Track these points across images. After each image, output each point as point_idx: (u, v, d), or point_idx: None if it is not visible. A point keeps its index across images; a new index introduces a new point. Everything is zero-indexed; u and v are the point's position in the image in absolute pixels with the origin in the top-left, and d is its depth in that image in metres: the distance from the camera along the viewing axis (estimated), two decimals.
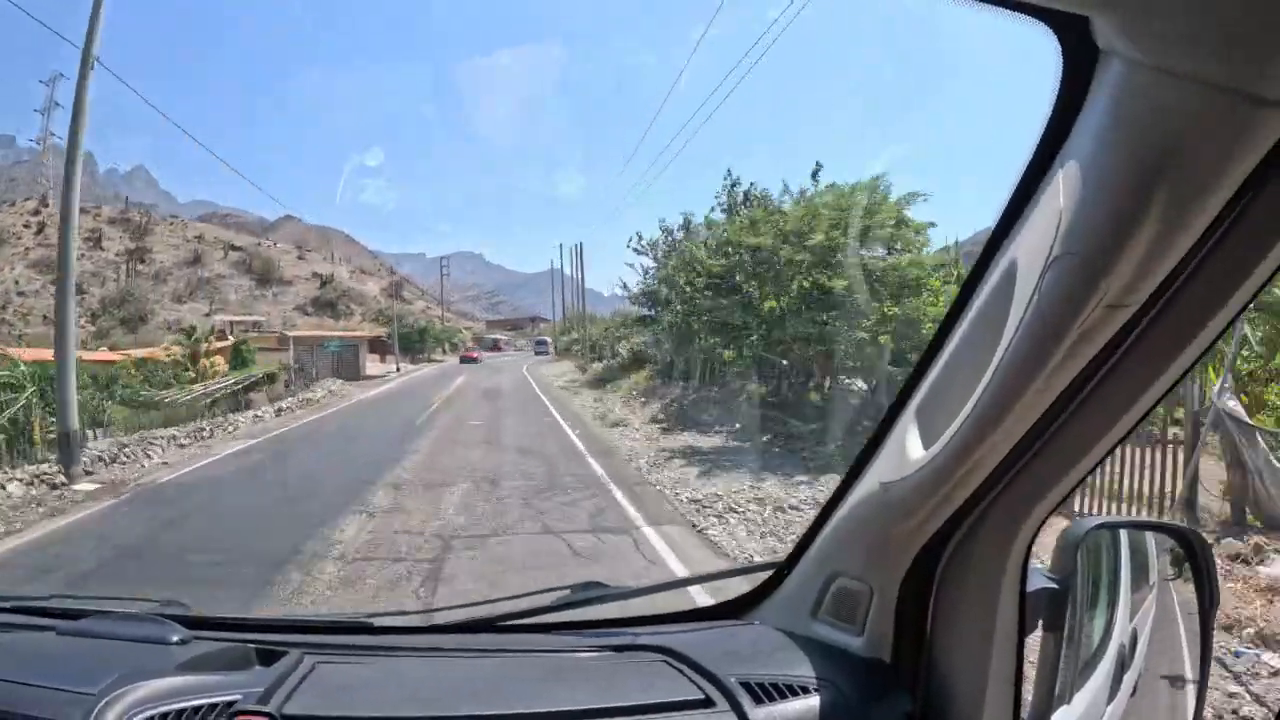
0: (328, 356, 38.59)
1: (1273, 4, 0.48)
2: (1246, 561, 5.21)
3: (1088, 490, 6.74)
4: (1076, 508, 6.56)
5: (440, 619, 1.35)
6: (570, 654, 1.13)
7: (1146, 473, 6.47)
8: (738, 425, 13.33)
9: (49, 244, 76.65)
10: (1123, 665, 1.12)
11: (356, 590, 5.40)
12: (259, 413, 20.88)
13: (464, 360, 48.45)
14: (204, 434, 16.06)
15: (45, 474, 10.52)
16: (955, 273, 11.54)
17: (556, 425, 15.56)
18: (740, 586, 1.32)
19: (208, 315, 64.32)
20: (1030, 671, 0.95)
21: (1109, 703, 1.08)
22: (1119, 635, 1.14)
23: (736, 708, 0.93)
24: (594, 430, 14.76)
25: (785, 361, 13.55)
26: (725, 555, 6.29)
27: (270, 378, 32.20)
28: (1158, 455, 6.40)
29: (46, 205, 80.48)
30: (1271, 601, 4.50)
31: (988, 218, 0.80)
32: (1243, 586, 4.78)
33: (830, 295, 11.75)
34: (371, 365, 42.96)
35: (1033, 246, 0.68)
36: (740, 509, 7.84)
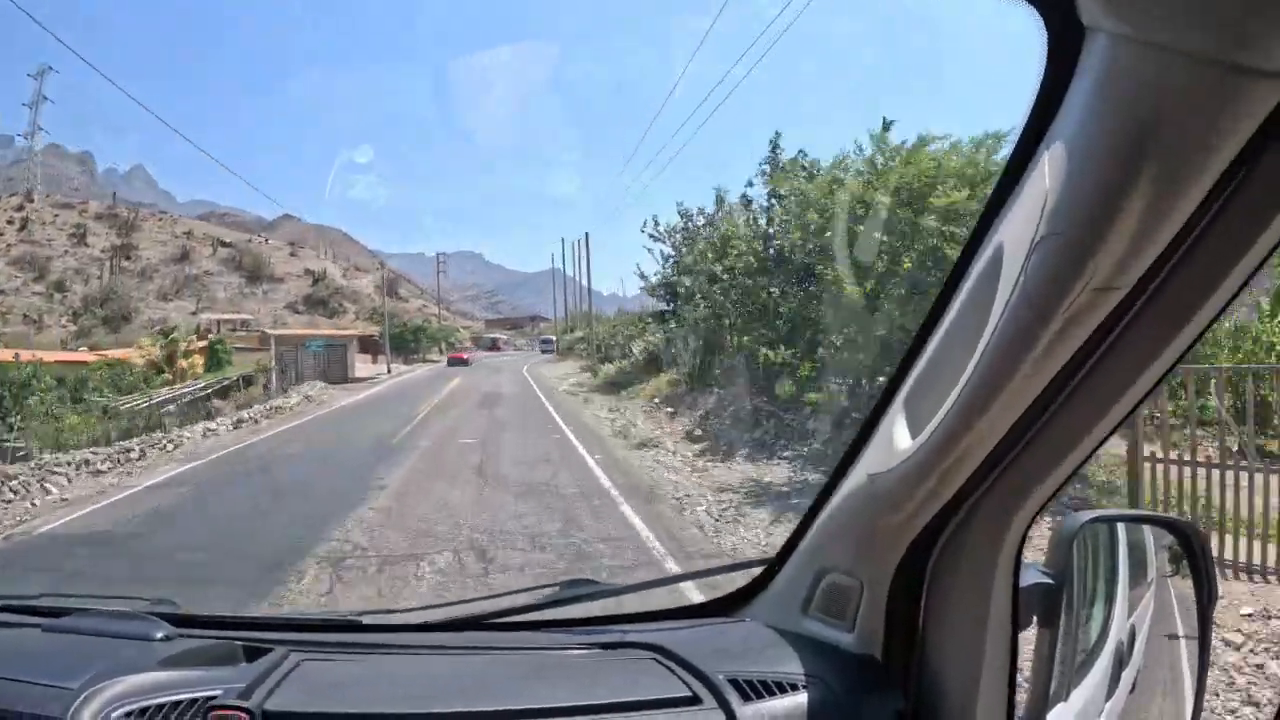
0: (313, 357, 36.25)
1: None
2: None
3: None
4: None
5: (430, 617, 1.31)
6: (559, 651, 1.13)
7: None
8: (813, 446, 9.68)
9: (32, 240, 72.23)
10: (1121, 662, 1.10)
11: None
12: (215, 425, 18.59)
13: (452, 363, 44.03)
14: (132, 455, 13.67)
15: None
16: None
17: (568, 446, 12.49)
18: (731, 583, 1.30)
19: (194, 314, 61.70)
20: (1025, 668, 0.93)
21: (1107, 700, 1.06)
22: (1117, 631, 1.12)
23: (724, 705, 0.93)
24: (618, 454, 11.65)
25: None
26: None
27: (247, 380, 30.05)
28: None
29: (31, 200, 76.17)
30: None
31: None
32: None
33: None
34: (362, 366, 40.11)
35: (1019, 228, 0.66)
36: None
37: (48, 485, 10.11)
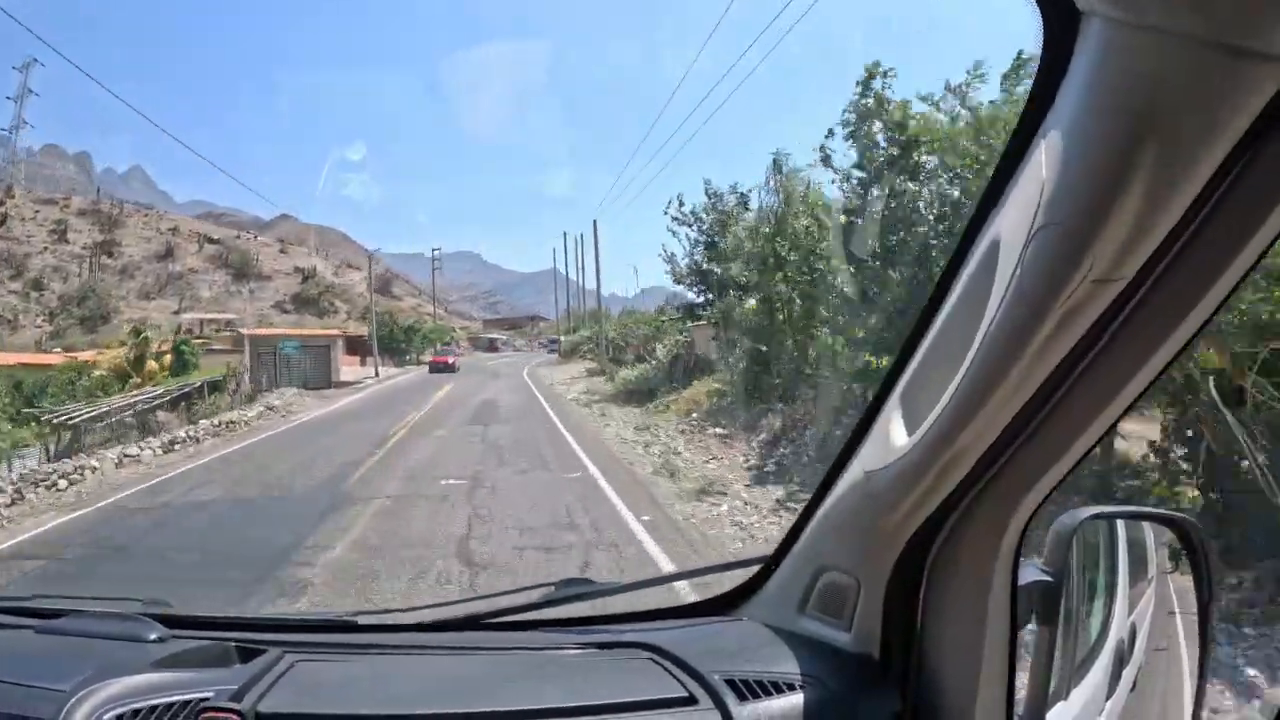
0: (290, 360, 33.63)
1: None
2: None
3: None
4: None
5: (425, 617, 1.29)
6: (555, 651, 1.13)
7: None
8: None
9: (10, 237, 67.92)
10: (1122, 660, 1.09)
11: None
12: (141, 449, 14.86)
13: (435, 369, 37.63)
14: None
15: None
16: None
17: (598, 497, 8.49)
18: (728, 582, 1.28)
19: (176, 313, 57.04)
20: (1024, 667, 0.92)
21: (1108, 698, 1.06)
22: (1118, 629, 1.12)
23: (720, 705, 0.92)
24: (676, 512, 7.79)
25: None
26: None
27: (213, 387, 26.53)
28: None
29: (12, 196, 71.90)
30: None
31: None
32: None
33: None
34: (350, 368, 38.19)
35: (1016, 219, 0.65)
36: None
37: None
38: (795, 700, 0.94)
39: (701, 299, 20.31)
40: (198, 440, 16.02)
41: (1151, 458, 5.53)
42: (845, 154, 10.81)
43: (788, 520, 6.98)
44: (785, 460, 9.85)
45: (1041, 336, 0.66)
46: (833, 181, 11.55)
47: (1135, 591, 1.19)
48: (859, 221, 10.14)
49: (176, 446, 15.21)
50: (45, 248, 67.47)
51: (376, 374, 36.31)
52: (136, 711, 0.87)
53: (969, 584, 0.91)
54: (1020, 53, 8.10)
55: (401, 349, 43.56)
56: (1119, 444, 5.96)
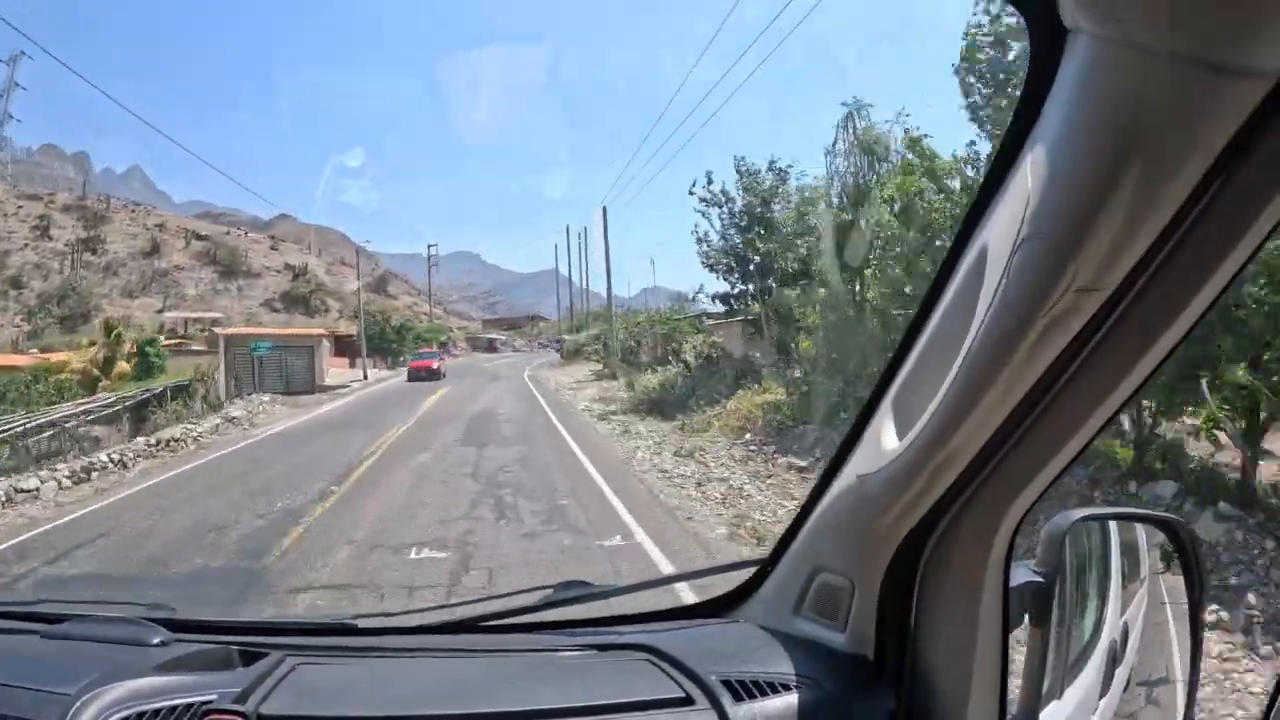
0: (264, 361, 30.35)
1: None
2: None
3: None
4: None
5: (425, 620, 1.32)
6: (553, 653, 1.14)
7: None
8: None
9: None
10: (1114, 660, 1.10)
11: None
12: (56, 472, 11.87)
13: (415, 376, 32.15)
14: None
15: None
16: None
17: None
18: (725, 584, 1.29)
19: (160, 311, 53.00)
20: (1017, 668, 0.94)
21: (1101, 698, 1.08)
22: (1110, 630, 1.13)
23: (717, 706, 0.94)
24: None
25: None
26: None
27: (180, 391, 23.14)
28: None
29: None
30: None
31: None
32: None
33: None
34: (337, 370, 34.82)
35: (1003, 230, 0.67)
36: None
37: None
38: (791, 700, 0.96)
39: (739, 287, 17.33)
40: (124, 465, 12.88)
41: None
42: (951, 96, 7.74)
43: None
44: None
45: (1028, 344, 0.68)
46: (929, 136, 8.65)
47: (1128, 592, 1.19)
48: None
49: (94, 474, 11.99)
50: (26, 244, 64.51)
51: (365, 377, 33.22)
52: (141, 715, 0.88)
53: (962, 585, 0.92)
54: None
55: (394, 349, 39.82)
56: None
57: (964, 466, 0.82)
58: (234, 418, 18.81)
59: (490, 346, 69.28)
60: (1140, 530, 1.21)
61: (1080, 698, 1.04)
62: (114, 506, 9.44)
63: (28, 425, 15.74)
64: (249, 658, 1.04)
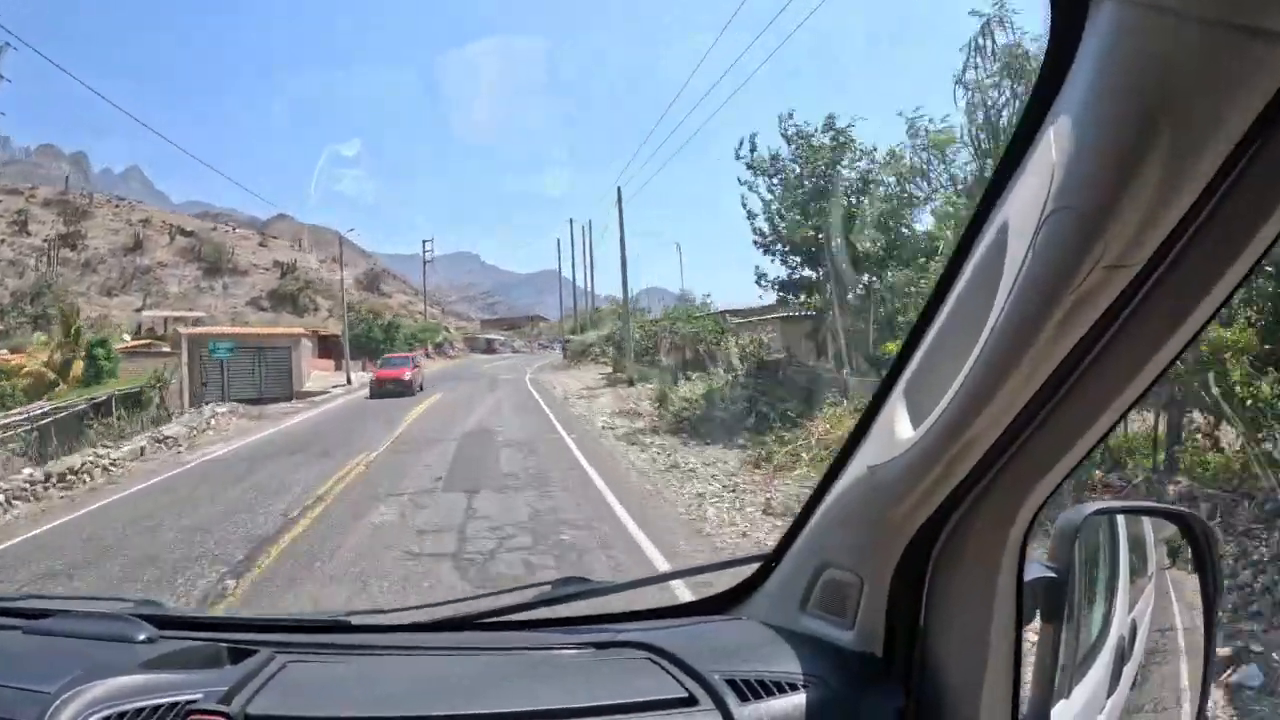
0: (245, 364, 26.91)
1: None
2: None
3: None
4: None
5: (419, 617, 1.27)
6: (551, 651, 1.11)
7: None
8: None
9: None
10: (1122, 658, 1.08)
11: None
12: None
13: (378, 391, 24.71)
14: None
15: None
16: None
17: None
18: (727, 581, 1.25)
19: (139, 310, 49.50)
20: (1028, 665, 0.92)
21: (1109, 696, 1.05)
22: (1118, 627, 1.10)
23: (721, 706, 0.91)
24: None
25: None
26: None
27: (129, 400, 19.57)
28: None
29: None
30: None
31: None
32: None
33: None
34: (320, 373, 31.80)
35: (1026, 205, 0.64)
36: None
37: None
38: (797, 700, 0.93)
39: (797, 274, 13.95)
40: None
41: None
42: None
43: None
44: None
45: (1053, 323, 0.65)
46: None
47: (1136, 588, 1.17)
48: None
49: None
50: (3, 240, 60.66)
51: (349, 381, 29.42)
52: (122, 714, 0.85)
53: (974, 579, 0.90)
54: None
55: (383, 349, 35.71)
56: None
57: (983, 453, 0.79)
58: (168, 437, 15.15)
59: (489, 347, 67.32)
60: (1148, 525, 1.19)
61: (1088, 696, 1.02)
62: None
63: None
64: (238, 655, 1.01)
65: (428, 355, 46.37)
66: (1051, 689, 0.91)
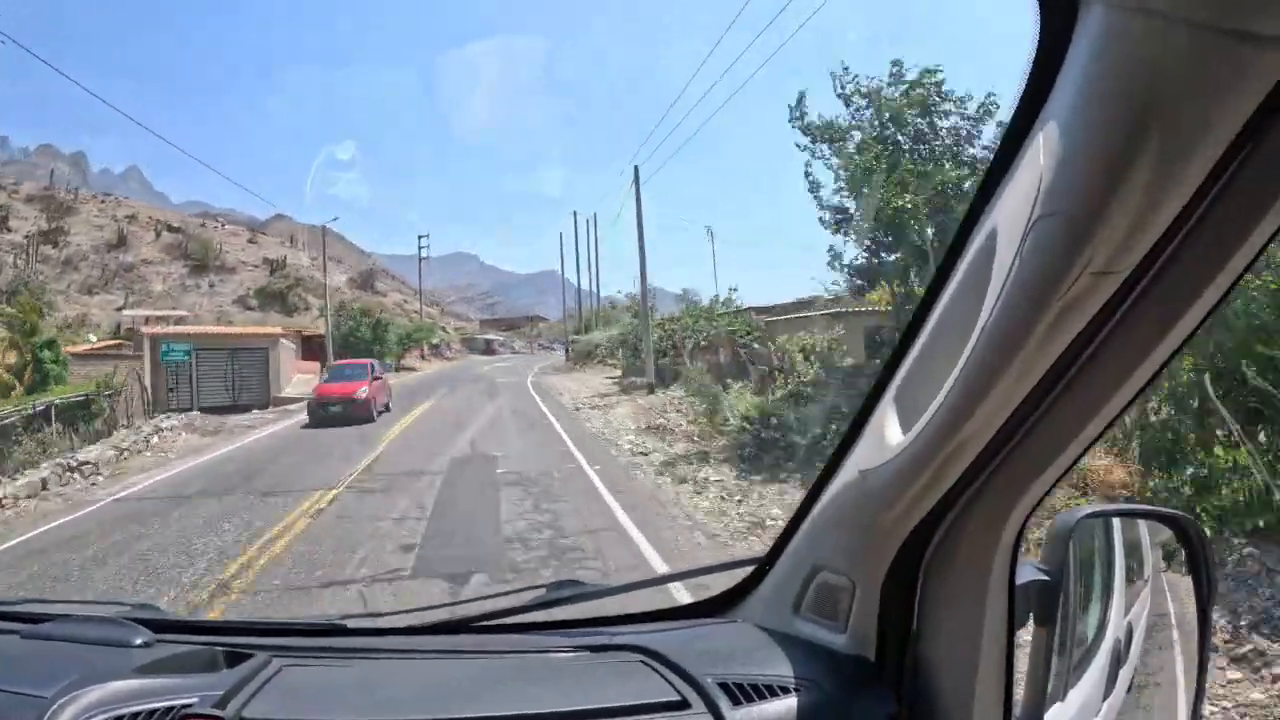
0: (216, 367, 23.64)
1: None
2: None
3: None
4: None
5: (415, 620, 1.27)
6: (546, 654, 1.12)
7: None
8: None
9: None
10: (1118, 661, 1.08)
11: None
12: None
13: (318, 411, 17.78)
14: None
15: None
16: None
17: None
18: (722, 584, 1.25)
19: (120, 309, 46.03)
20: (1021, 668, 0.93)
21: (1104, 700, 1.05)
22: (1114, 630, 1.10)
23: (713, 709, 0.92)
24: None
25: None
26: None
27: (76, 408, 16.76)
28: None
29: None
30: None
31: None
32: None
33: None
34: (305, 376, 27.58)
35: (1014, 211, 0.64)
36: None
37: None
38: (790, 703, 0.94)
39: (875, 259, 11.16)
40: None
41: None
42: None
43: None
44: None
45: (1042, 329, 0.65)
46: None
47: (1131, 591, 1.17)
48: None
49: None
50: None
51: None
52: (119, 718, 0.86)
53: (966, 583, 0.90)
54: None
55: (374, 351, 32.22)
56: None
57: (974, 457, 0.79)
58: (84, 463, 11.98)
59: (488, 348, 65.99)
60: (1143, 528, 1.19)
61: (1083, 699, 1.03)
62: None
63: None
64: (234, 659, 1.01)
65: (423, 357, 43.04)
66: (1045, 692, 0.91)
